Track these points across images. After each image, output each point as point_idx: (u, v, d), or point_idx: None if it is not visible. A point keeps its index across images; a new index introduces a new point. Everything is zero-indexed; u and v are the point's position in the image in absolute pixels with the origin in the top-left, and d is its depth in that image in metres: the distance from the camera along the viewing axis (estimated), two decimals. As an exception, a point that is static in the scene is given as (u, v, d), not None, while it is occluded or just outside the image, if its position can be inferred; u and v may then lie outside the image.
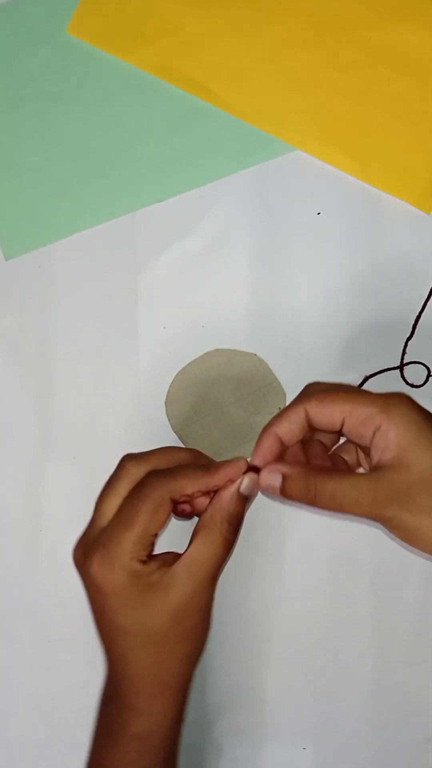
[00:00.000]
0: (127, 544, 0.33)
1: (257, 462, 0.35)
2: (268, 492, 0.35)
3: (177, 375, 0.49)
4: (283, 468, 0.34)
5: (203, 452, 0.40)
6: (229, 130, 0.52)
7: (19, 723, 0.48)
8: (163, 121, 0.52)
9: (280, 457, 0.36)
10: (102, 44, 0.53)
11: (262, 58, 0.52)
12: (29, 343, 0.51)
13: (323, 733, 0.46)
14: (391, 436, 0.32)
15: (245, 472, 0.35)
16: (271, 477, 0.34)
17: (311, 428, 0.35)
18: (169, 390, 0.49)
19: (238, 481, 0.35)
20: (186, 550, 0.35)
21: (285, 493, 0.34)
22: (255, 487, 0.36)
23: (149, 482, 0.34)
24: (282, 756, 0.46)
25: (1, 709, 0.48)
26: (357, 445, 0.37)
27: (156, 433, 0.49)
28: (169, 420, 0.49)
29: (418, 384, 0.48)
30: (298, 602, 0.47)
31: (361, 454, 0.38)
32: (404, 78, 0.51)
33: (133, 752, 0.35)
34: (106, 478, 0.40)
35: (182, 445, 0.48)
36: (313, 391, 0.35)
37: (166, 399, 0.49)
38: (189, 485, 0.35)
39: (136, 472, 0.36)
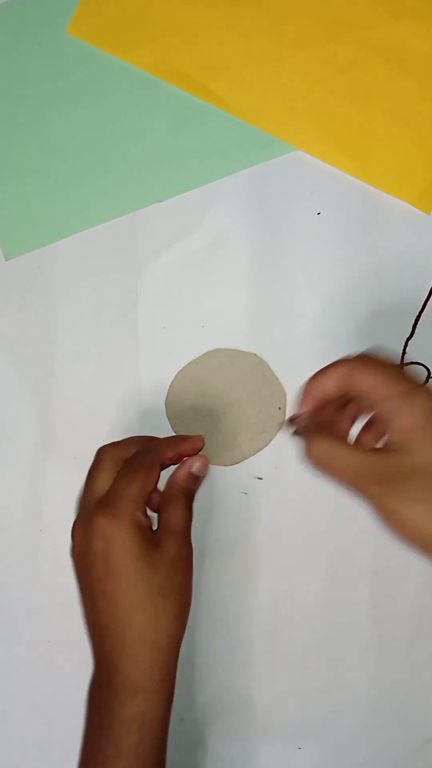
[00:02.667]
0: (132, 496, 0.37)
1: (303, 407, 0.37)
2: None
3: (177, 375, 0.49)
4: (302, 420, 0.37)
5: (204, 451, 0.44)
6: (229, 130, 0.52)
7: (19, 723, 0.48)
8: (163, 121, 0.52)
9: (322, 403, 0.37)
10: (102, 44, 0.53)
11: (262, 58, 0.52)
12: (29, 343, 0.51)
13: (322, 733, 0.46)
14: (405, 420, 0.32)
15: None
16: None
17: (346, 390, 0.35)
18: (169, 390, 0.49)
19: (190, 463, 0.41)
20: (159, 520, 0.39)
21: (296, 434, 0.37)
22: (204, 468, 0.42)
23: (138, 455, 0.40)
24: (276, 755, 0.46)
25: (1, 709, 0.48)
26: (376, 419, 0.37)
27: (156, 433, 0.49)
28: (169, 420, 0.49)
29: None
30: (298, 602, 0.47)
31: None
32: (404, 78, 0.51)
33: (133, 734, 0.35)
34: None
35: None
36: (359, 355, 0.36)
37: (166, 399, 0.49)
38: (169, 450, 0.41)
39: (116, 453, 0.40)
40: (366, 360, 0.35)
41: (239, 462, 0.48)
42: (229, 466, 0.48)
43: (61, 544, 0.48)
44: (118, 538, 0.36)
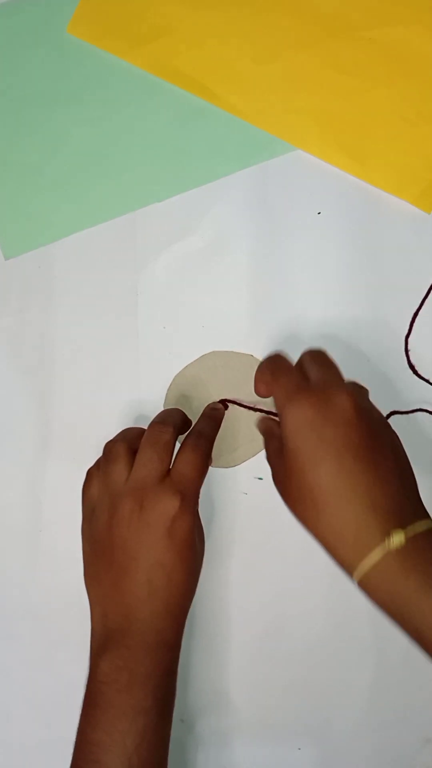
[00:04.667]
0: (199, 483, 0.42)
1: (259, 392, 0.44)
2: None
3: (174, 378, 0.49)
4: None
5: None
6: (229, 130, 0.52)
7: (19, 723, 0.48)
8: (163, 121, 0.52)
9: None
10: (102, 44, 0.53)
11: (262, 58, 0.52)
12: (29, 343, 0.51)
13: (322, 733, 0.46)
14: (282, 428, 0.38)
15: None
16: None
17: None
18: (167, 393, 0.49)
19: None
20: None
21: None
22: (210, 463, 0.46)
23: (199, 441, 0.43)
24: (276, 755, 0.46)
25: (1, 709, 0.48)
26: None
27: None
28: (168, 422, 0.49)
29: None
30: (298, 602, 0.47)
31: None
32: (404, 78, 0.51)
33: (164, 686, 0.40)
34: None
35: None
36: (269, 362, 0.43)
37: (164, 403, 0.49)
38: (215, 433, 0.45)
39: (174, 435, 0.43)
40: (263, 370, 0.42)
41: (240, 464, 0.48)
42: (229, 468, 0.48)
43: (61, 544, 0.48)
44: (185, 519, 0.40)
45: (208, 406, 0.48)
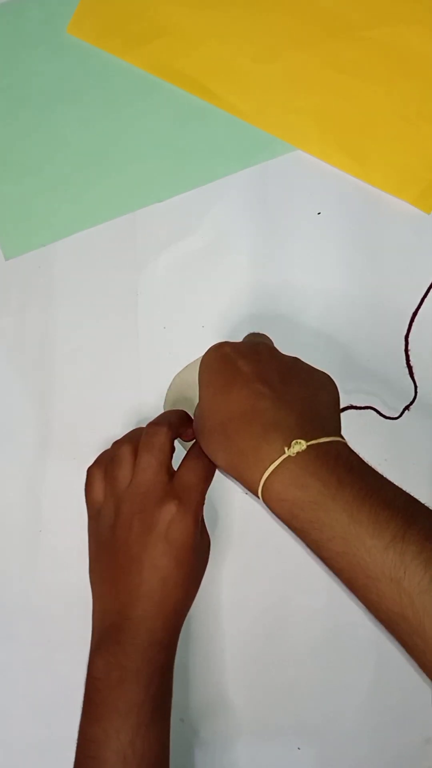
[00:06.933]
0: (203, 492, 0.42)
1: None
2: None
3: (174, 379, 0.49)
4: None
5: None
6: (229, 130, 0.52)
7: (19, 723, 0.48)
8: (163, 121, 0.52)
9: None
10: (102, 44, 0.53)
11: (262, 58, 0.52)
12: (29, 343, 0.51)
13: (322, 733, 0.46)
14: (200, 370, 0.41)
15: None
16: None
17: None
18: (166, 394, 0.49)
19: None
20: None
21: None
22: None
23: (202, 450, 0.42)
24: (276, 755, 0.46)
25: (1, 709, 0.48)
26: None
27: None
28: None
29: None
30: (299, 602, 0.47)
31: None
32: (404, 78, 0.51)
33: (156, 684, 0.40)
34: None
35: (181, 448, 0.48)
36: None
37: (164, 403, 0.49)
38: None
39: (172, 436, 0.43)
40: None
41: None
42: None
43: (61, 544, 0.48)
44: (183, 525, 0.40)
45: None
